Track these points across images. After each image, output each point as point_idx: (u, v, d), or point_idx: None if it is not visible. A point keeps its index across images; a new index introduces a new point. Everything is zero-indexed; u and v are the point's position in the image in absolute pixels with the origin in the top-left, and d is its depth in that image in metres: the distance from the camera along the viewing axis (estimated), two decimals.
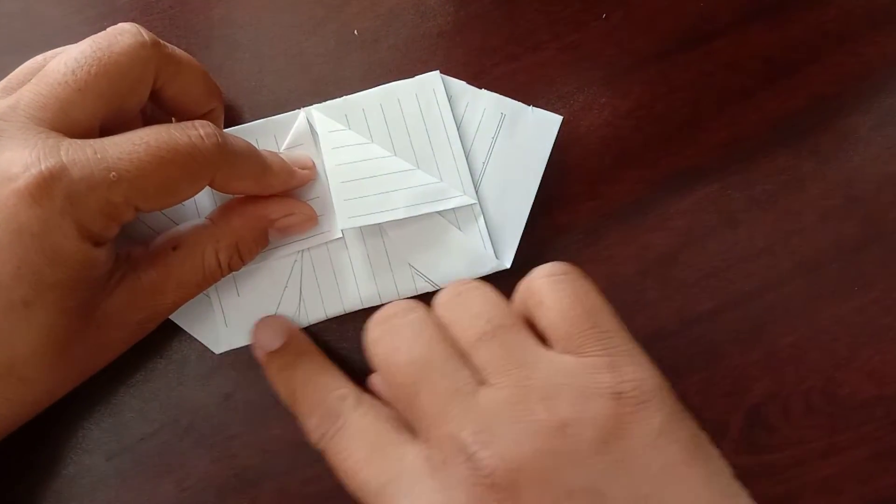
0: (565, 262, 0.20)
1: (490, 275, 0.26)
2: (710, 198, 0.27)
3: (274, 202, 0.25)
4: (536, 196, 0.27)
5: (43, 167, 0.19)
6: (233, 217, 0.24)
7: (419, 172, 0.26)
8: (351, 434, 0.21)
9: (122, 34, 0.21)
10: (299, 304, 0.26)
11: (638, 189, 0.27)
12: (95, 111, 0.21)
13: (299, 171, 0.25)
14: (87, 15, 0.29)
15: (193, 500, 0.24)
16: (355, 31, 0.28)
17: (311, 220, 0.26)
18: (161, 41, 0.22)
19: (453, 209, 0.26)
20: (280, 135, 0.27)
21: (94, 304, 0.21)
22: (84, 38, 0.28)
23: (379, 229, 0.26)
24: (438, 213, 0.26)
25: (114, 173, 0.20)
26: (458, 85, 0.28)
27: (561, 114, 0.28)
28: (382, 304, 0.26)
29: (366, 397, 0.22)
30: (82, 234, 0.20)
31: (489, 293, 0.21)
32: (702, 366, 0.26)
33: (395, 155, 0.27)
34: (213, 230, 0.24)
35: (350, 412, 0.21)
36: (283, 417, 0.25)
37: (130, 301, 0.22)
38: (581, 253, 0.27)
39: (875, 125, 0.28)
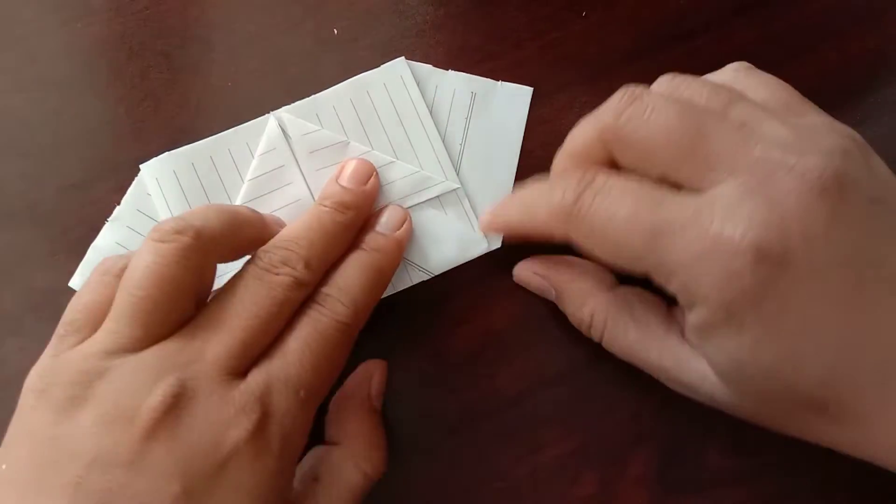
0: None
1: (482, 255, 0.26)
2: None
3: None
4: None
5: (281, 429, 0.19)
6: (349, 425, 0.23)
7: (399, 164, 0.26)
8: (619, 192, 0.20)
9: (279, 271, 0.20)
10: None
11: None
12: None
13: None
14: (62, 16, 0.28)
15: None
16: (335, 31, 0.28)
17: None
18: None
19: (438, 195, 0.26)
20: (252, 142, 0.26)
21: None
22: (59, 41, 0.28)
23: None
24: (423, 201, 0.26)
25: (303, 392, 0.20)
26: (425, 69, 0.27)
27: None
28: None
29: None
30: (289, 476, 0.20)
31: (704, 79, 0.22)
32: None
33: (373, 149, 0.26)
34: (345, 448, 0.23)
35: (607, 177, 0.20)
36: None
37: None
38: (567, 249, 0.26)
39: (859, 121, 0.28)
